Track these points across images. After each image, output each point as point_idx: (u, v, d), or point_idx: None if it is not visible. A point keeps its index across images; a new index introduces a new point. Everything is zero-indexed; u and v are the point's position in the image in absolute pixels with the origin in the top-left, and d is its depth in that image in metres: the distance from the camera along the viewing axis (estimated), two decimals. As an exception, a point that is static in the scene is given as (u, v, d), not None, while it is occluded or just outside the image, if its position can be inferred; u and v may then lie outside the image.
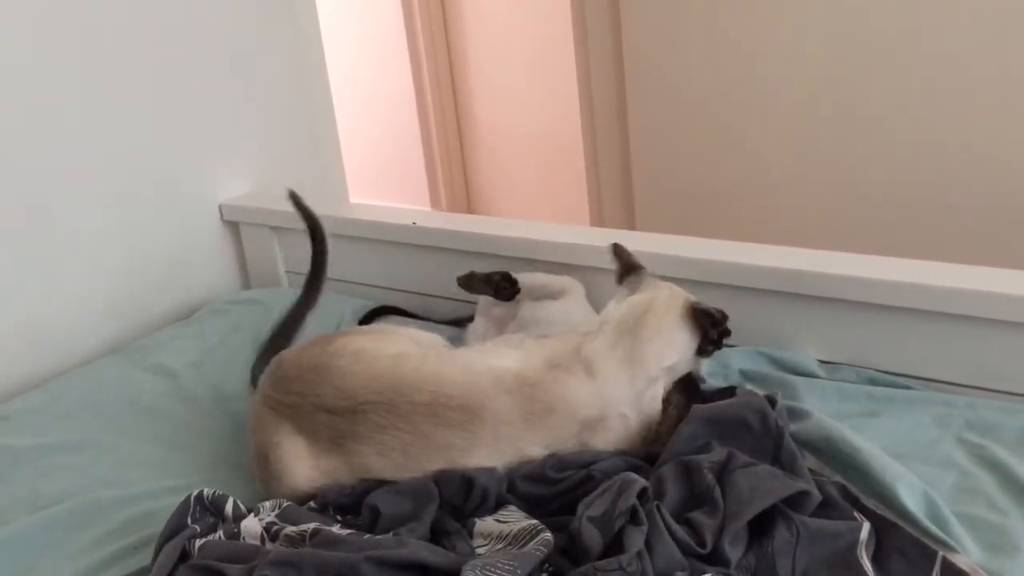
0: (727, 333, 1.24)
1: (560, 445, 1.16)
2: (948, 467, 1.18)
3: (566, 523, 1.02)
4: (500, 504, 1.09)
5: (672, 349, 1.23)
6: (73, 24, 1.74)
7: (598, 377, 1.18)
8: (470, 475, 1.10)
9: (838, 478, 1.11)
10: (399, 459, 1.14)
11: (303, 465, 1.17)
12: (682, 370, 1.26)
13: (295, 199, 1.56)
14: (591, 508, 0.98)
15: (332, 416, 1.16)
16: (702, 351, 1.26)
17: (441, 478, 1.11)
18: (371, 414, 1.14)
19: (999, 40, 2.40)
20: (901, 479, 1.09)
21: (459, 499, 1.09)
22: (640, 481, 1.00)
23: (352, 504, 1.14)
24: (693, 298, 1.27)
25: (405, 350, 1.24)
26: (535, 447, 1.15)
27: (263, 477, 1.21)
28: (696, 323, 1.24)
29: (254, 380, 1.37)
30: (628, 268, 1.36)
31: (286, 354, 1.29)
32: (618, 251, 1.39)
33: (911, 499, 1.07)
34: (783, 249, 1.47)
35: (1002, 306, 1.27)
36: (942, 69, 2.49)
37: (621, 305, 1.28)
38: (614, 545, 0.95)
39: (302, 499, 1.16)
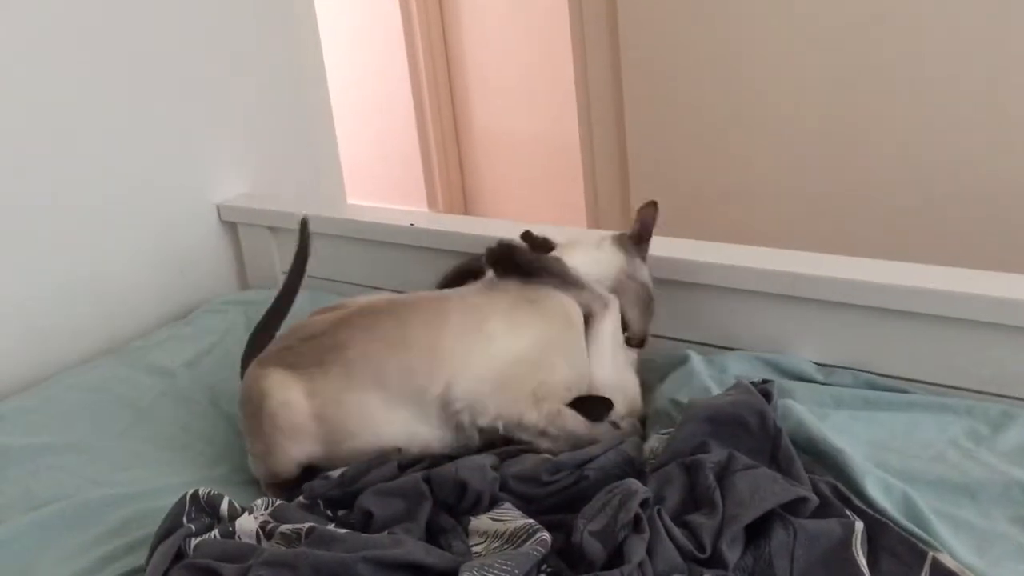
0: None
1: None
2: (938, 466, 1.18)
3: (562, 522, 1.02)
4: (494, 502, 1.09)
5: None
6: (73, 27, 1.74)
7: None
8: (462, 478, 1.09)
9: (830, 478, 1.11)
10: (382, 348, 1.24)
11: (295, 393, 1.23)
12: None
13: (304, 227, 1.59)
14: (593, 522, 0.98)
15: (314, 339, 1.26)
16: None
17: (434, 480, 1.11)
18: (356, 318, 1.27)
19: (994, 45, 2.40)
20: (878, 481, 1.10)
21: (452, 499, 1.09)
22: (642, 491, 1.00)
23: (342, 497, 1.15)
24: None
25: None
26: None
27: (260, 434, 1.25)
28: None
29: (243, 374, 1.38)
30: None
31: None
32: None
33: (888, 501, 1.07)
34: (779, 252, 1.47)
35: (1000, 309, 1.27)
36: (940, 74, 2.49)
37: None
38: (616, 555, 0.95)
39: (303, 455, 1.24)
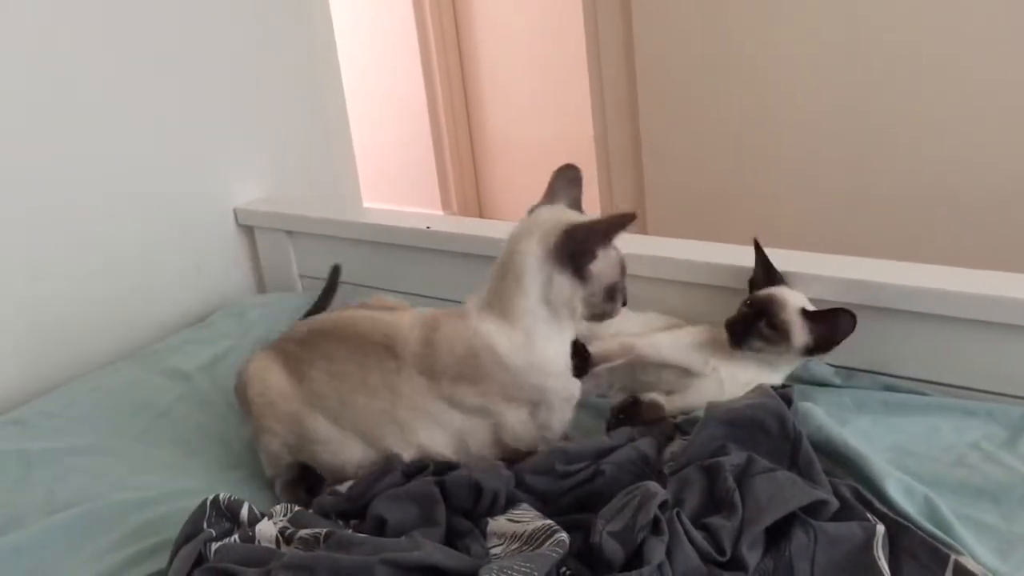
0: None
1: None
2: (960, 470, 1.17)
3: (580, 523, 1.02)
4: (511, 503, 1.09)
5: None
6: (95, 29, 1.76)
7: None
8: (476, 480, 1.09)
9: (851, 480, 1.11)
10: (340, 385, 1.25)
11: (275, 372, 1.29)
12: None
13: (335, 274, 1.68)
14: (612, 523, 0.98)
15: (296, 344, 1.30)
16: None
17: (448, 485, 1.11)
18: (320, 343, 1.28)
19: (1011, 43, 2.39)
20: (900, 484, 1.09)
21: (469, 503, 1.09)
22: (661, 493, 1.00)
23: (353, 511, 1.15)
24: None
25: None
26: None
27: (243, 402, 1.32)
28: None
29: None
30: None
31: None
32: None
33: (910, 504, 1.07)
34: (796, 253, 1.47)
35: (1021, 311, 1.27)
36: (955, 72, 2.48)
37: None
38: (635, 557, 0.95)
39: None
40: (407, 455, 1.22)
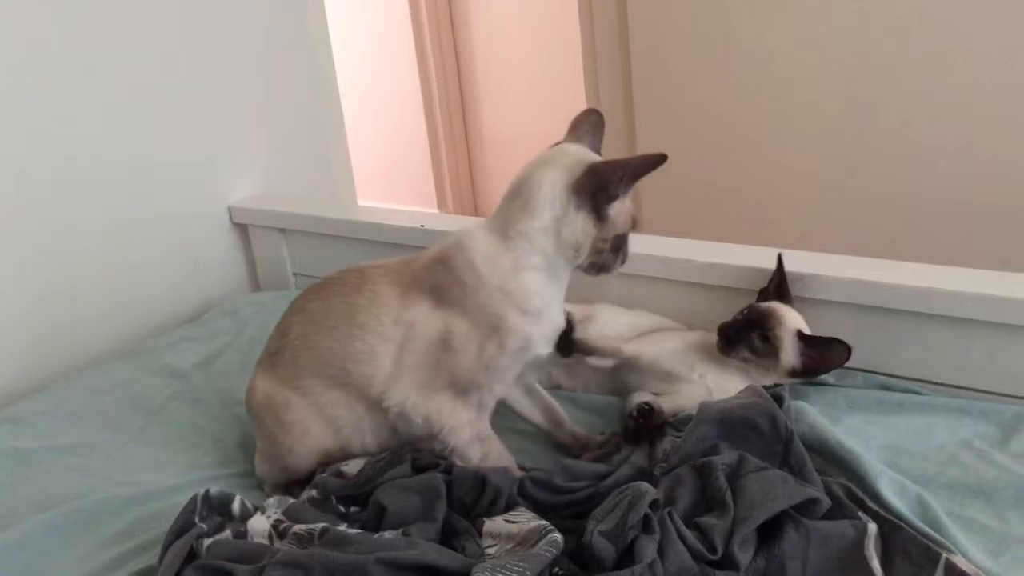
0: None
1: None
2: (952, 469, 1.18)
3: (576, 526, 1.02)
4: (510, 506, 1.09)
5: None
6: (89, 26, 1.75)
7: None
8: (483, 473, 1.10)
9: (843, 479, 1.11)
10: (306, 335, 1.24)
11: (259, 377, 1.29)
12: None
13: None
14: (603, 522, 0.98)
15: (276, 337, 1.30)
16: None
17: (455, 476, 1.11)
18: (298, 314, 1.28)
19: (1011, 43, 2.39)
20: (893, 482, 1.10)
21: (471, 497, 1.10)
22: (651, 492, 1.00)
23: (356, 496, 1.15)
24: None
25: None
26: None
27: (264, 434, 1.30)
28: None
29: None
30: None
31: None
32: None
33: (902, 502, 1.07)
34: (790, 252, 1.47)
35: (1014, 310, 1.27)
36: (953, 72, 2.48)
37: None
38: (626, 555, 0.95)
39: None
40: (352, 377, 1.20)
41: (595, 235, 1.17)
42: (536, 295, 1.17)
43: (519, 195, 1.17)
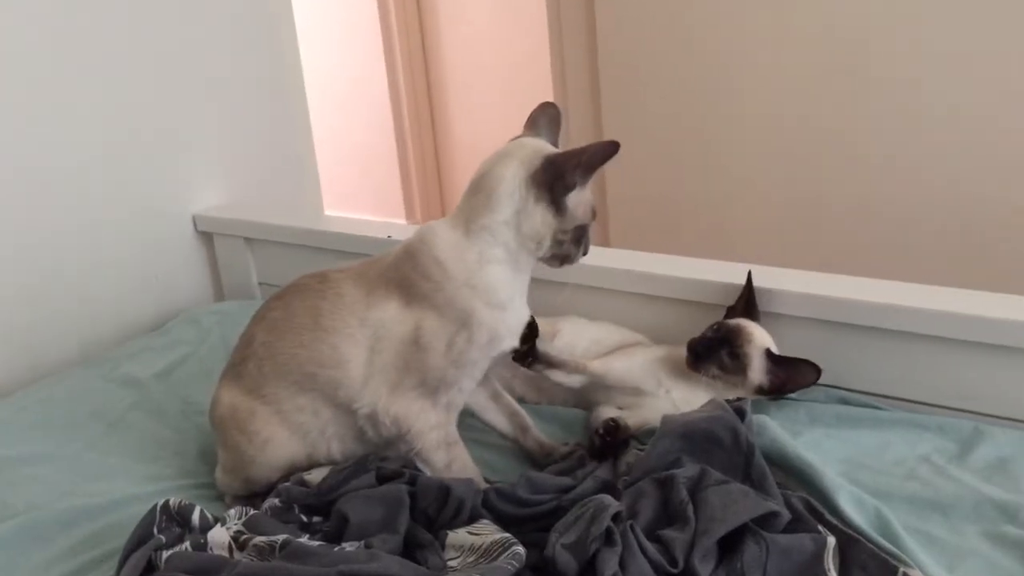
0: None
1: None
2: (910, 483, 1.19)
3: (538, 540, 1.02)
4: (474, 518, 1.09)
5: None
6: (50, 34, 1.73)
7: None
8: (448, 484, 1.09)
9: (803, 493, 1.12)
10: (270, 342, 1.24)
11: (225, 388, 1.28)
12: None
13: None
14: (565, 535, 0.98)
15: (240, 348, 1.30)
16: None
17: (419, 487, 1.11)
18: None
19: (971, 58, 2.43)
20: (851, 496, 1.11)
21: (434, 509, 1.09)
22: (614, 505, 1.01)
23: (319, 506, 1.14)
24: None
25: None
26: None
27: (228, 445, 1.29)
28: None
29: None
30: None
31: None
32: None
33: (861, 516, 1.08)
34: (756, 267, 1.48)
35: (971, 327, 1.29)
36: (921, 83, 2.51)
37: None
38: (588, 568, 0.95)
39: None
40: (318, 382, 1.20)
41: (555, 227, 1.19)
42: (501, 288, 1.19)
43: (480, 190, 1.20)
